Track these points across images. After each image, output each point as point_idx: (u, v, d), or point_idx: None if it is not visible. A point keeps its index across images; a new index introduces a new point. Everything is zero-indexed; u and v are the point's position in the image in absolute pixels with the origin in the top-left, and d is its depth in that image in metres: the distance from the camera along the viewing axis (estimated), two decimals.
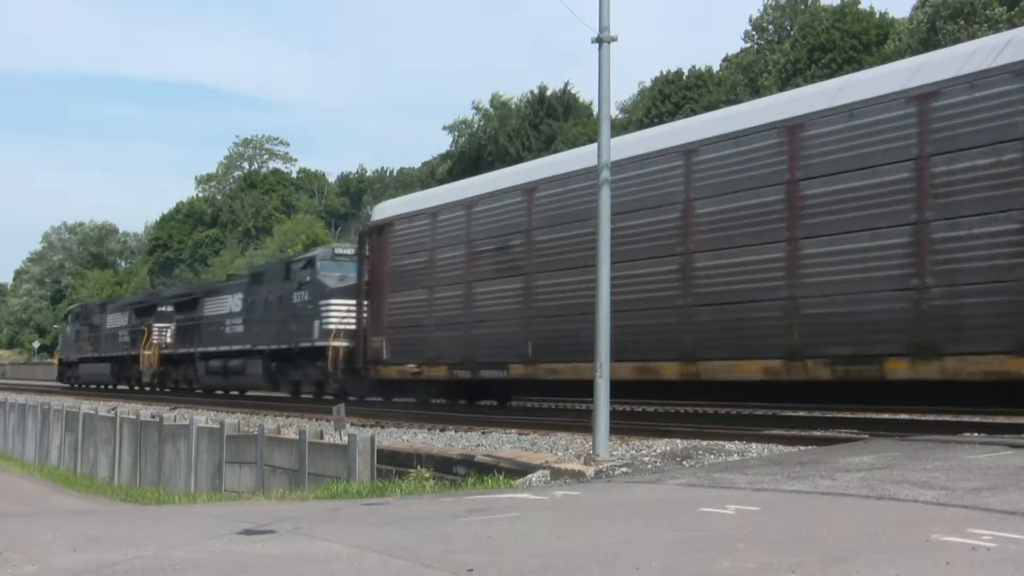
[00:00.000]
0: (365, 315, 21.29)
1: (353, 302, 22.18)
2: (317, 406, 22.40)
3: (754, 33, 60.44)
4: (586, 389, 12.76)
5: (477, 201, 18.60)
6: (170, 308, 34.93)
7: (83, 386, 44.09)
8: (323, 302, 23.90)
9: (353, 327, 22.15)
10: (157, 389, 35.66)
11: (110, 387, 41.38)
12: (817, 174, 12.80)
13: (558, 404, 20.14)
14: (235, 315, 28.88)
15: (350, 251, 24.83)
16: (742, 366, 13.43)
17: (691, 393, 17.05)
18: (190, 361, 32.16)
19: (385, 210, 22.07)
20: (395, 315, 20.30)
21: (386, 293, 20.57)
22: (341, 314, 23.15)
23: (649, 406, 19.10)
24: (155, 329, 34.85)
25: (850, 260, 12.34)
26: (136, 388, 38.00)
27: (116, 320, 39.71)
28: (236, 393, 30.46)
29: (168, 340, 34.31)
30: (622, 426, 12.99)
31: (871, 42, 48.10)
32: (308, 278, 25.00)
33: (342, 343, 22.66)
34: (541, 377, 16.98)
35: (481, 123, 68.18)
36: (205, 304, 31.42)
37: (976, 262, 11.19)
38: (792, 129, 13.11)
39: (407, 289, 20.04)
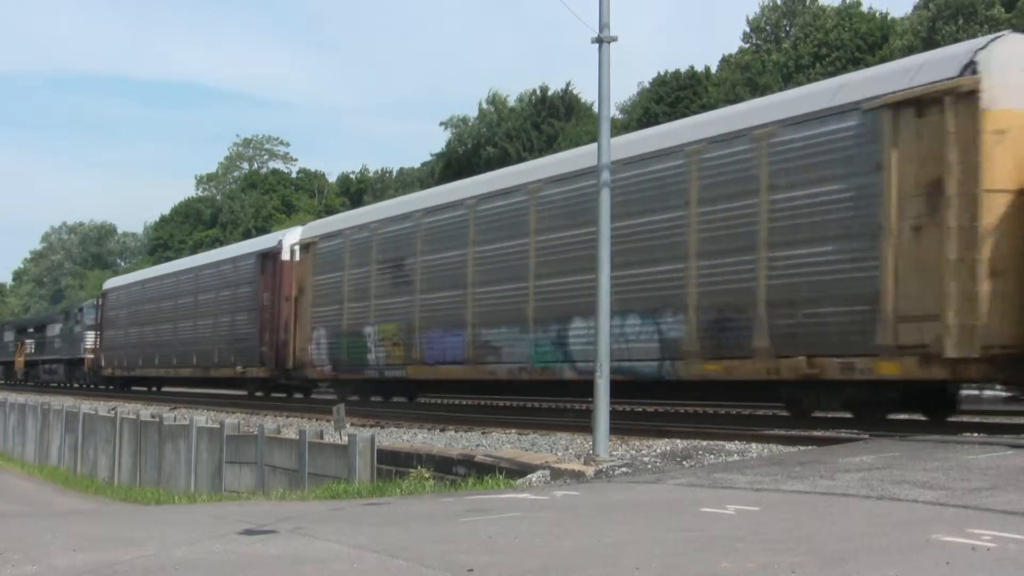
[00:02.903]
0: (98, 341, 39.36)
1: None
2: (317, 406, 22.70)
3: (752, 35, 60.36)
4: (172, 380, 35.43)
5: (144, 283, 36.60)
6: (32, 329, 51.87)
7: None
8: (85, 332, 41.56)
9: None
10: (29, 383, 50.56)
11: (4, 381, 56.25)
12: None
13: (558, 404, 20.23)
14: (56, 336, 46.41)
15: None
16: (220, 371, 28.88)
17: (204, 384, 33.02)
18: (38, 364, 49.77)
19: (108, 283, 42.43)
20: (107, 341, 38.20)
21: (106, 329, 38.61)
22: (92, 339, 40.48)
23: (649, 407, 19.10)
24: (25, 343, 51.69)
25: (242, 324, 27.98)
26: (15, 382, 52.46)
27: (7, 336, 56.17)
28: (58, 385, 46.96)
29: (30, 351, 50.81)
30: (622, 426, 12.99)
31: (874, 43, 48.12)
32: (80, 317, 42.67)
33: (91, 356, 40.34)
34: (149, 375, 35.35)
35: (476, 122, 67.95)
36: (47, 328, 48.47)
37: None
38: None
39: (112, 328, 37.89)
